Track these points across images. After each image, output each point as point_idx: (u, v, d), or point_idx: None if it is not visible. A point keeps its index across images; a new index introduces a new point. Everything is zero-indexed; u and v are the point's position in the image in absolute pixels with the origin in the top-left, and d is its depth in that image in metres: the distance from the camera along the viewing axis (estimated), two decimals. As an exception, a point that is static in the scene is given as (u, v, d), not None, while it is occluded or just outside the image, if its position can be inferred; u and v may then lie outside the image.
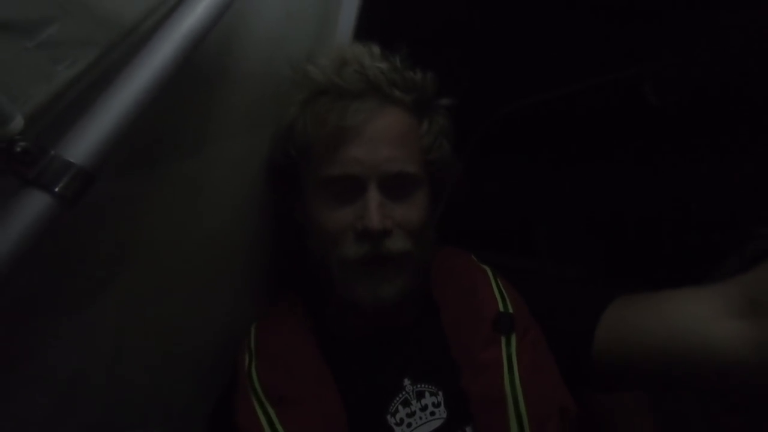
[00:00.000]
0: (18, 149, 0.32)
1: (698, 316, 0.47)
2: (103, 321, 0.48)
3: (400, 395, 0.55)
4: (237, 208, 0.62)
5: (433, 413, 0.54)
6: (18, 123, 0.32)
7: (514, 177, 1.40)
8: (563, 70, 1.19)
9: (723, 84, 1.04)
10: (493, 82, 1.21)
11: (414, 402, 0.54)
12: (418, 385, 0.55)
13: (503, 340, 0.54)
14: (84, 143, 0.36)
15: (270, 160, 0.63)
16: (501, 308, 0.56)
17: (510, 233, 1.42)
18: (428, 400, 0.54)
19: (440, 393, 0.55)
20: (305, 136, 0.56)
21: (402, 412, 0.54)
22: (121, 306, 0.49)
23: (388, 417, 0.54)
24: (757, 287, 0.44)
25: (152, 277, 0.52)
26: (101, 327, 0.48)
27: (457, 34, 1.00)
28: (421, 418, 0.54)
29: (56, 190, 0.34)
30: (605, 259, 1.35)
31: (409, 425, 0.53)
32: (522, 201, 1.43)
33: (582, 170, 1.33)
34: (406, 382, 0.56)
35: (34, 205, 0.34)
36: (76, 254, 0.44)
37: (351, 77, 0.55)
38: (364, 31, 0.70)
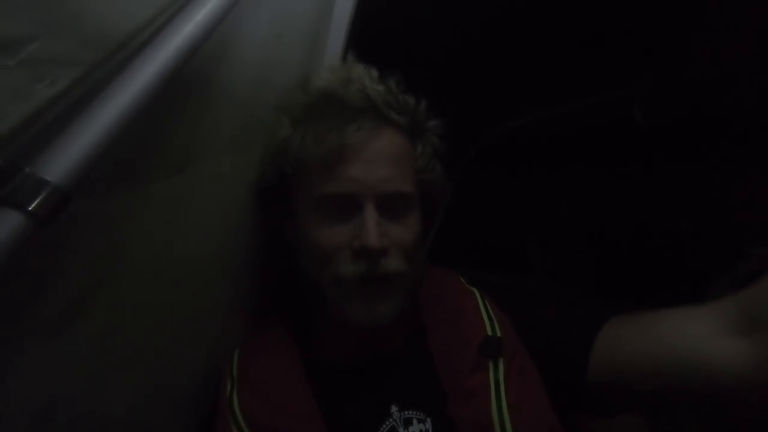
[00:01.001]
0: (-10, 166, 0.32)
1: (696, 335, 0.46)
2: (81, 347, 0.46)
3: (387, 422, 0.53)
4: (223, 228, 0.61)
5: None
6: (-9, 140, 0.31)
7: (506, 196, 1.40)
8: (552, 90, 1.21)
9: (712, 102, 1.05)
10: (482, 103, 1.22)
11: (401, 429, 0.53)
12: (406, 412, 0.54)
13: (491, 365, 0.53)
14: (61, 162, 0.36)
15: (260, 179, 0.63)
16: (489, 332, 0.55)
17: (503, 252, 1.41)
18: (416, 427, 0.53)
19: (428, 420, 0.53)
20: (302, 154, 0.56)
21: None
22: (101, 331, 0.47)
23: None
24: (755, 304, 0.44)
25: (134, 301, 0.51)
26: (79, 353, 0.46)
27: (443, 58, 1.02)
28: None
29: (29, 208, 0.33)
30: (598, 278, 1.35)
31: None
32: (515, 220, 1.43)
33: (575, 189, 1.34)
34: (394, 409, 0.54)
35: (5, 223, 0.33)
36: (52, 275, 0.43)
37: (354, 94, 0.56)
38: (353, 55, 0.71)
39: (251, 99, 0.60)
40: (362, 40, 0.72)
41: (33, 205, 0.34)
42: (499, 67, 1.08)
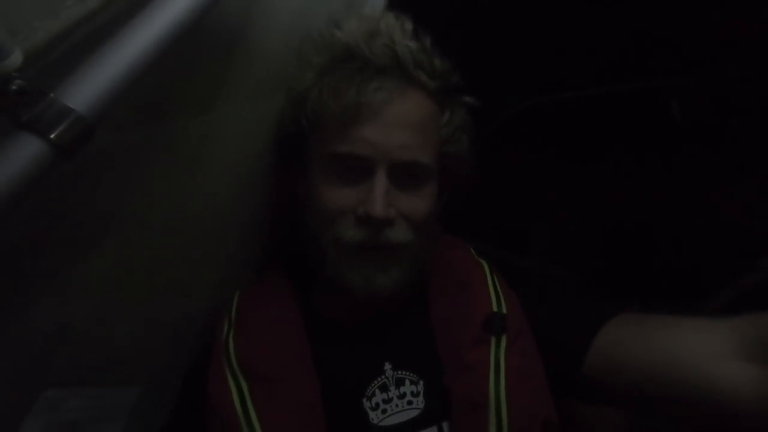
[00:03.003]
0: (14, 87, 0.29)
1: (702, 351, 0.46)
2: (92, 277, 0.46)
3: (379, 379, 0.53)
4: (240, 174, 0.59)
5: (410, 402, 0.53)
6: (16, 58, 0.29)
7: (519, 174, 1.38)
8: (582, 71, 1.16)
9: (750, 102, 1.01)
10: (514, 77, 1.18)
11: (392, 388, 0.53)
12: (399, 372, 0.54)
13: (493, 341, 0.52)
14: (87, 90, 0.33)
15: (279, 127, 0.60)
16: (495, 308, 0.54)
17: (506, 229, 1.40)
18: (407, 388, 0.53)
19: (421, 382, 0.53)
20: (319, 107, 0.53)
21: (378, 397, 0.53)
22: (111, 264, 0.47)
23: (364, 401, 0.52)
24: None
25: (144, 236, 0.50)
26: (89, 283, 0.46)
27: (486, 24, 0.96)
28: (397, 405, 0.52)
29: (51, 137, 0.31)
30: (602, 269, 1.35)
31: (384, 411, 0.52)
32: (524, 198, 1.42)
33: (589, 173, 1.32)
34: (387, 366, 0.54)
35: (26, 149, 0.31)
36: (67, 205, 0.42)
37: (379, 50, 0.52)
38: (396, 7, 0.66)
39: (283, 47, 0.57)
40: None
41: (55, 134, 0.32)
42: (538, 41, 1.03)
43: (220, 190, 0.57)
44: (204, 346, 0.57)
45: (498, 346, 0.52)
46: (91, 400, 0.50)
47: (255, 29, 0.52)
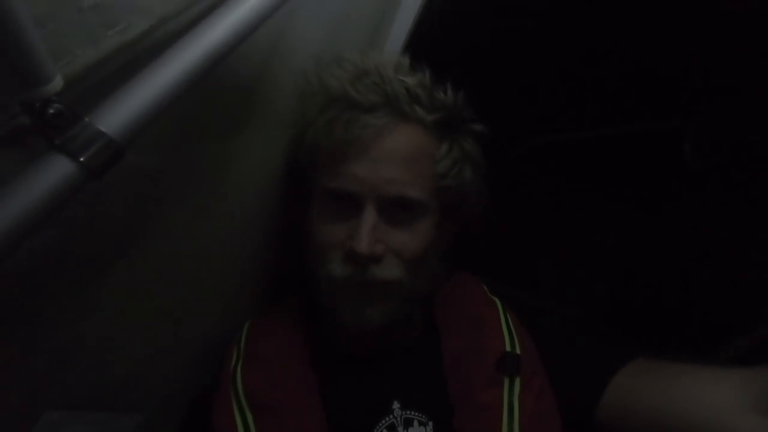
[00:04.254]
0: (51, 111, 0.30)
1: (718, 403, 0.44)
2: (101, 301, 0.46)
3: (387, 419, 0.52)
4: (256, 202, 0.60)
5: None
6: (57, 84, 0.30)
7: (526, 209, 1.38)
8: (596, 111, 1.17)
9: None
10: (528, 112, 1.19)
11: (401, 429, 0.52)
12: (408, 412, 0.52)
13: (506, 382, 0.51)
14: (121, 115, 0.34)
15: (287, 161, 0.61)
16: (508, 347, 0.53)
17: (513, 266, 1.39)
18: (416, 429, 0.52)
19: (430, 424, 0.52)
20: (314, 143, 0.54)
21: None
22: (123, 283, 0.47)
23: None
24: None
25: (159, 258, 0.50)
26: (98, 307, 0.46)
27: (506, 61, 0.99)
28: None
29: (81, 159, 0.32)
30: (608, 308, 1.33)
31: None
32: (530, 234, 1.41)
33: (598, 214, 1.31)
34: (395, 405, 0.53)
35: (57, 171, 0.32)
36: (87, 224, 0.42)
37: (365, 89, 0.52)
38: (416, 44, 0.68)
39: (303, 83, 0.58)
40: (428, 31, 0.69)
41: (86, 156, 0.32)
42: (553, 78, 1.05)
43: (234, 217, 0.58)
44: (211, 374, 0.56)
45: (511, 387, 0.51)
46: (91, 425, 0.49)
47: (278, 64, 0.54)
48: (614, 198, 1.26)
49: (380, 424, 0.52)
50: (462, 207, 0.58)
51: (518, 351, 0.53)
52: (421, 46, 0.67)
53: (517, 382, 0.51)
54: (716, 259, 1.13)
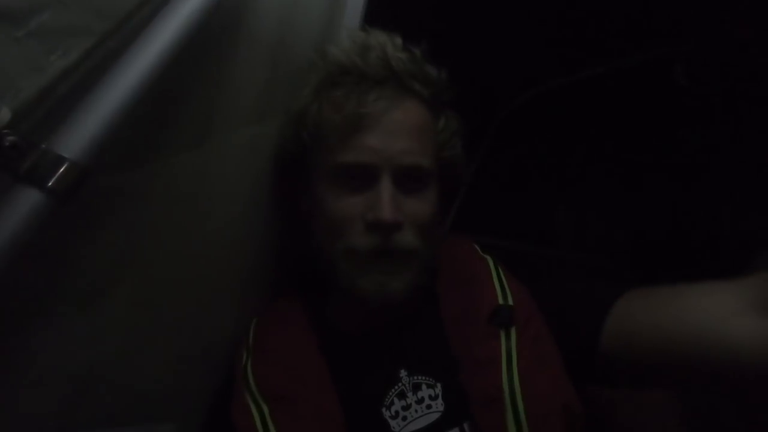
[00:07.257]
0: (6, 143, 0.31)
1: (715, 311, 0.44)
2: (111, 319, 0.47)
3: (396, 387, 0.53)
4: (244, 201, 0.60)
5: (429, 406, 0.52)
6: (5, 115, 0.31)
7: (538, 163, 1.35)
8: (588, 49, 1.14)
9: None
10: (510, 66, 1.16)
11: (410, 394, 0.53)
12: (415, 377, 0.53)
13: (502, 333, 0.52)
14: (77, 136, 0.35)
15: (279, 147, 0.61)
16: (500, 300, 0.54)
17: (531, 221, 1.38)
18: (425, 392, 0.53)
19: (438, 385, 0.53)
20: (319, 121, 0.55)
21: (397, 405, 0.52)
22: (128, 305, 0.48)
23: (383, 410, 0.52)
24: None
25: (157, 275, 0.51)
26: (109, 326, 0.47)
27: (469, 22, 0.96)
28: (416, 411, 0.52)
29: (48, 185, 0.33)
30: (632, 252, 1.30)
31: (404, 418, 0.52)
32: (546, 188, 1.39)
33: (612, 157, 1.28)
34: (403, 373, 0.54)
35: (25, 200, 0.33)
36: (80, 250, 0.43)
37: (374, 63, 0.54)
38: (372, 18, 0.67)
39: (269, 67, 0.58)
40: (380, 3, 0.68)
41: (51, 182, 0.33)
42: (524, 26, 1.01)
43: (226, 220, 0.58)
44: (227, 375, 0.58)
45: (508, 338, 0.52)
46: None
47: (242, 50, 0.54)
48: (619, 141, 1.23)
49: (390, 393, 0.53)
50: (451, 176, 0.61)
51: (511, 302, 0.54)
52: (379, 14, 0.66)
53: (513, 332, 0.52)
54: (736, 189, 1.10)
